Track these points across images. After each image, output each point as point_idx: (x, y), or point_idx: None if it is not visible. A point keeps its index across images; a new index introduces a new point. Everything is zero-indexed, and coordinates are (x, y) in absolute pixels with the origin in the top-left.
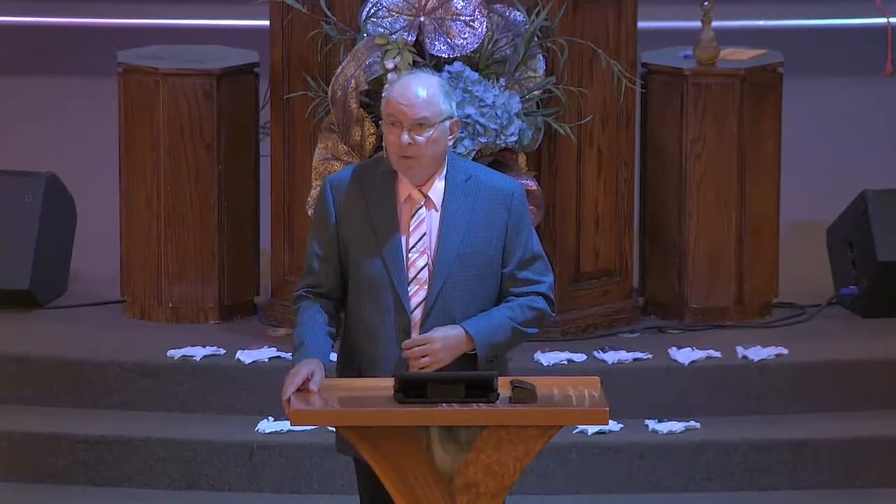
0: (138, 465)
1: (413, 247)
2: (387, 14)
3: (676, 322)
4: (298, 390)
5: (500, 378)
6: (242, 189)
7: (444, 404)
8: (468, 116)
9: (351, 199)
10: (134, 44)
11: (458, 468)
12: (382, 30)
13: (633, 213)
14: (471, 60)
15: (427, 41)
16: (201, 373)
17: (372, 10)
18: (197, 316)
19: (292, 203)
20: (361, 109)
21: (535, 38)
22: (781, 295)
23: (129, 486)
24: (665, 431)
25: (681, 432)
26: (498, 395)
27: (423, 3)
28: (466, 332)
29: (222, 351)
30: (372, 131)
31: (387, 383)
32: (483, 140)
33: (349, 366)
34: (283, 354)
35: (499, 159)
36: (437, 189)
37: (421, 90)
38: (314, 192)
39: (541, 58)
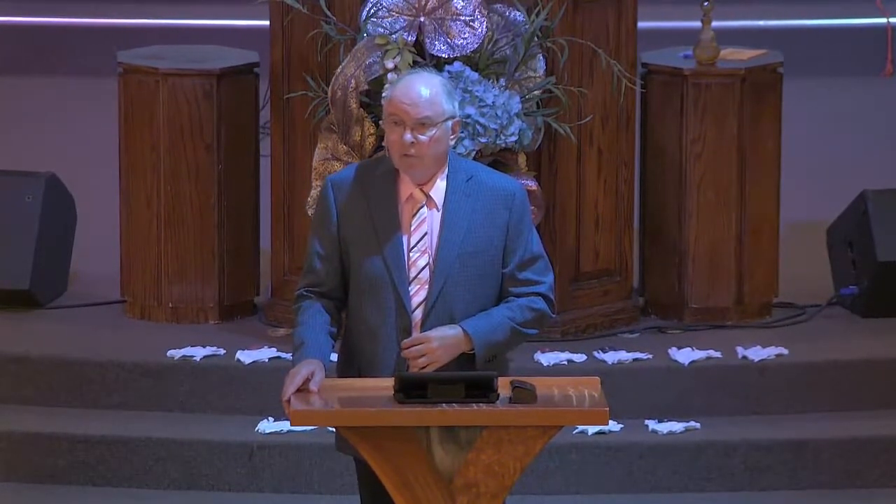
0: (138, 465)
1: (414, 246)
2: (387, 14)
3: (676, 322)
4: (298, 390)
5: (500, 378)
6: (242, 189)
7: (444, 404)
8: (468, 116)
9: (352, 198)
10: (134, 44)
11: (458, 468)
12: (382, 30)
13: (633, 213)
14: (471, 60)
15: (427, 41)
16: (201, 373)
17: (372, 10)
18: (197, 316)
19: (292, 203)
20: (361, 109)
21: (535, 38)
22: (781, 295)
23: (129, 486)
24: (665, 431)
25: (681, 432)
26: (498, 395)
27: (423, 3)
28: (465, 331)
29: (222, 351)
30: (372, 131)
31: (387, 383)
32: (483, 140)
33: (349, 366)
34: (283, 354)
35: (499, 159)
36: (438, 189)
37: (424, 89)
38: (314, 192)
39: (541, 58)
